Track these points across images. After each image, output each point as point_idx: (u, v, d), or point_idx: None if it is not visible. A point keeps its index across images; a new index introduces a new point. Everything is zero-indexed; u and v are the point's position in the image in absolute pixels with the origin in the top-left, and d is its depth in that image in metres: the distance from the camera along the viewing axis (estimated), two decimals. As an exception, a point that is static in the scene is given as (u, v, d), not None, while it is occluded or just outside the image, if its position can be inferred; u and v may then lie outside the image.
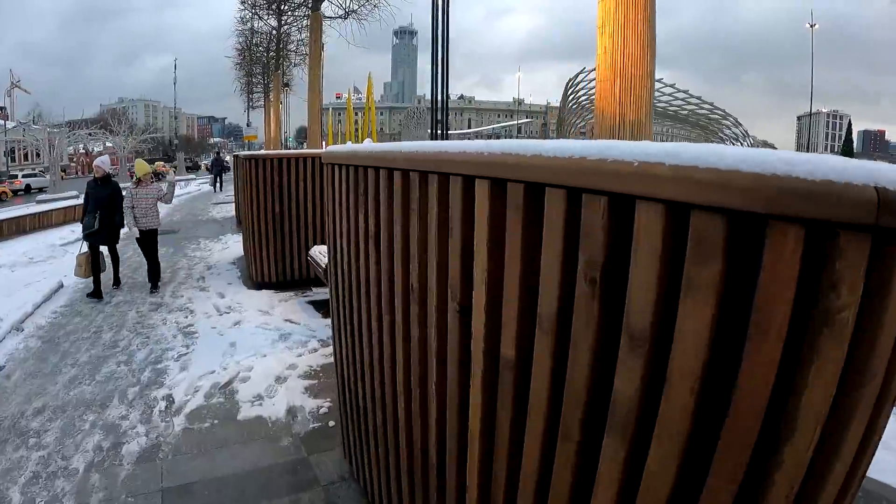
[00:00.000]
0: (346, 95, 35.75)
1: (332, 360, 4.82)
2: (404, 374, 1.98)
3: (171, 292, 7.16)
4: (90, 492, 3.00)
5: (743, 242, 0.81)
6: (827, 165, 0.74)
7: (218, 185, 27.02)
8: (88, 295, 6.93)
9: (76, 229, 12.96)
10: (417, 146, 1.72)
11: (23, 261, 9.42)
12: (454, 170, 1.49)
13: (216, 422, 3.80)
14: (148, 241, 7.33)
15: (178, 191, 28.72)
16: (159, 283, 7.42)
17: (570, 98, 30.67)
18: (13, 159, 56.69)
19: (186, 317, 6.11)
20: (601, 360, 1.04)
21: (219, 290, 7.13)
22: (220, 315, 6.10)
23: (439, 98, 6.39)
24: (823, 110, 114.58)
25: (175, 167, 44.13)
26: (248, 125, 36.40)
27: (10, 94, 72.93)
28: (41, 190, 33.55)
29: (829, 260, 0.76)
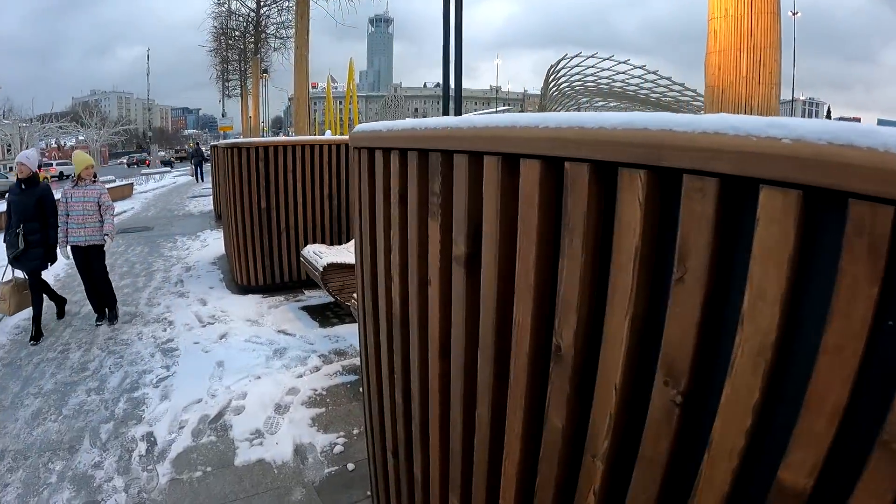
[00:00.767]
0: (325, 84, 34.64)
1: (337, 381, 4.17)
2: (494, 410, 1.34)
3: (146, 300, 6.39)
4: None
5: None
6: None
7: (199, 175, 27.71)
8: (32, 340, 5.17)
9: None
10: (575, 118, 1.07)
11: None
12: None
13: (209, 469, 3.11)
14: (88, 262, 5.49)
15: (152, 184, 27.90)
16: (117, 310, 5.75)
17: (552, 85, 30.05)
18: (-16, 155, 55.18)
19: (165, 329, 5.37)
20: None
21: (200, 296, 6.38)
22: (203, 326, 5.38)
23: (452, 86, 5.64)
24: (801, 98, 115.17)
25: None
26: (223, 115, 35.01)
27: (-22, 89, 70.22)
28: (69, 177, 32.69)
29: None
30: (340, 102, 52.69)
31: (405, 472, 2.00)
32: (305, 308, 5.81)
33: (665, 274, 0.89)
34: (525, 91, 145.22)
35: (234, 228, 6.28)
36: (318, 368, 4.34)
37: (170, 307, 6.04)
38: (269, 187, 6.22)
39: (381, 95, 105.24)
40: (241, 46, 24.57)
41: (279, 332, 5.14)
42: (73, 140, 61.64)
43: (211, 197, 14.34)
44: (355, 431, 3.45)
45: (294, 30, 10.19)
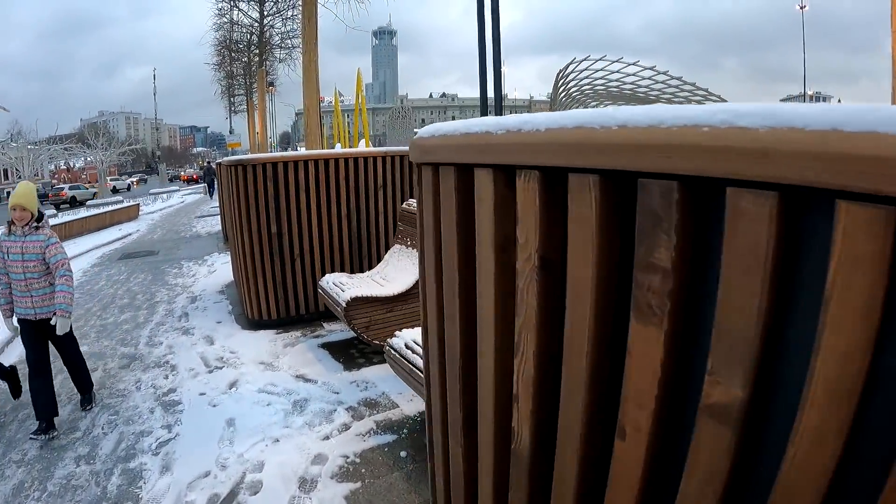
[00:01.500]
0: (332, 97, 34.19)
1: (371, 442, 3.44)
2: None
3: (147, 338, 5.72)
4: None
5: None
6: None
7: (211, 192, 28.16)
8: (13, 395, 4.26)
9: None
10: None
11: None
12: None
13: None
14: (48, 338, 4.02)
15: (160, 204, 27.53)
16: (92, 395, 4.30)
17: (561, 91, 29.45)
18: (-7, 177, 56.02)
19: (167, 376, 4.69)
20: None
21: (206, 333, 5.70)
22: (211, 372, 4.69)
23: (490, 96, 4.92)
24: (809, 93, 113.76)
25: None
26: (230, 132, 34.49)
27: (-12, 113, 70.73)
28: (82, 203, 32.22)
29: None
30: (348, 116, 52.29)
31: None
32: (326, 346, 5.11)
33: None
34: (531, 97, 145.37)
35: (241, 257, 5.59)
36: (347, 427, 3.63)
37: (172, 347, 5.36)
38: (279, 209, 5.55)
39: (387, 107, 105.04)
40: (246, 59, 24.02)
41: (298, 377, 4.45)
42: (83, 161, 62.13)
43: (219, 216, 13.75)
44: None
45: (301, 35, 9.56)
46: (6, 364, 4.34)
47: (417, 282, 4.71)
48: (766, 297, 0.72)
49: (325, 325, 5.67)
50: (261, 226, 5.51)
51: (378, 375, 4.38)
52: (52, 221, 16.40)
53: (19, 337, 4.03)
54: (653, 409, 0.90)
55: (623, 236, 0.93)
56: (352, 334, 5.11)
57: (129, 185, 53.80)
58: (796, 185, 0.67)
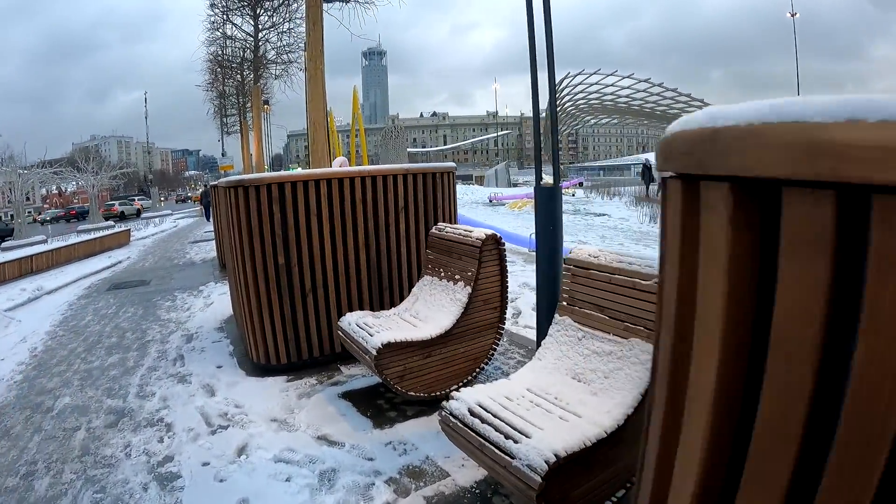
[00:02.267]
0: (328, 118, 33.78)
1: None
2: None
3: (137, 387, 4.96)
4: None
5: None
6: None
7: (207, 214, 27.28)
8: None
9: (27, 286, 10.70)
10: None
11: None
12: None
13: None
14: None
15: (151, 229, 26.78)
16: None
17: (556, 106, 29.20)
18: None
19: (161, 439, 3.93)
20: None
21: (206, 381, 4.94)
22: (214, 433, 3.94)
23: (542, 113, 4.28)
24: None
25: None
26: (223, 154, 33.75)
27: (-22, 138, 70.20)
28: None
29: None
30: (345, 136, 51.89)
31: None
32: (348, 395, 4.37)
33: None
34: (522, 114, 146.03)
35: (244, 293, 4.87)
36: (388, 509, 2.90)
37: (167, 400, 4.61)
38: (287, 236, 4.84)
39: (379, 127, 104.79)
40: (239, 77, 23.33)
41: (320, 438, 3.71)
42: (74, 185, 61.58)
43: (214, 242, 13.01)
44: None
45: (306, 41, 8.96)
46: None
47: (458, 320, 4.02)
48: None
49: (342, 368, 4.95)
50: (266, 257, 4.80)
51: (416, 433, 3.65)
52: (39, 249, 15.36)
53: None
54: None
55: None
56: (375, 380, 4.42)
57: (137, 210, 47.96)
58: None
